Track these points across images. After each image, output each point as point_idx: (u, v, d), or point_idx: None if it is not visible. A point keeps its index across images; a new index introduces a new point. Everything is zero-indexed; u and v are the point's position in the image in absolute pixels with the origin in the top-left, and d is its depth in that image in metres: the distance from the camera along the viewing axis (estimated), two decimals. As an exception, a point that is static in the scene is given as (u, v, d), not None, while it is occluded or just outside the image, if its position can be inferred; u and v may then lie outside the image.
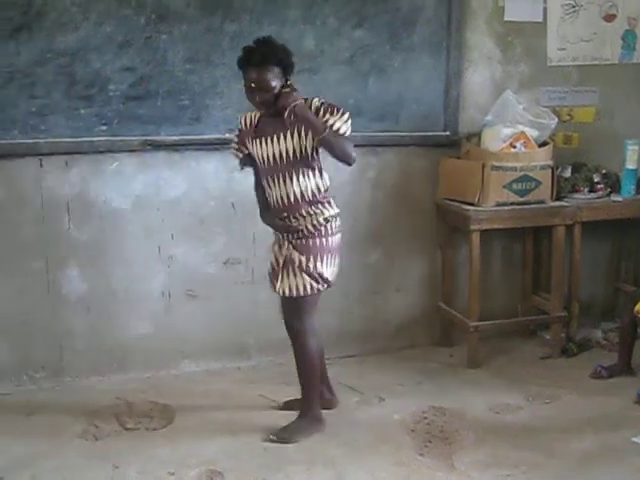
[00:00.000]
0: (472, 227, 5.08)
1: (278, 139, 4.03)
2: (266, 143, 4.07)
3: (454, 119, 5.41)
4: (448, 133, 5.41)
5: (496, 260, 5.74)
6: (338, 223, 4.18)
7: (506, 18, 5.44)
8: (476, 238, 5.10)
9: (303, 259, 4.07)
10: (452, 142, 5.40)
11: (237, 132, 4.28)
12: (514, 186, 5.08)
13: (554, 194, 5.26)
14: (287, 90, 3.93)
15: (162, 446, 4.16)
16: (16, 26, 4.57)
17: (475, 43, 5.42)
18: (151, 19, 4.74)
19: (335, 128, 3.95)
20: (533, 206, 5.19)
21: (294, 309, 4.17)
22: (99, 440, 4.25)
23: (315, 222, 4.08)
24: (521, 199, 5.13)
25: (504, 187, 5.07)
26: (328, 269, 4.13)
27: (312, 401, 4.31)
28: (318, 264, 4.09)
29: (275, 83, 3.90)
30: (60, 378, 4.97)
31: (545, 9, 5.52)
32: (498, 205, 5.10)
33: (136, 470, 3.92)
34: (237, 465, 3.96)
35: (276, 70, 3.91)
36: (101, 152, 4.83)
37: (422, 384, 4.98)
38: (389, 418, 4.50)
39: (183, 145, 4.93)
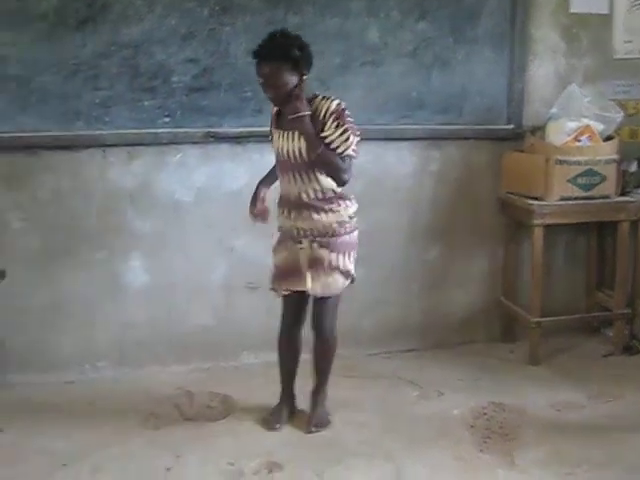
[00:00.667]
0: (535, 222, 5.03)
1: (293, 136, 3.94)
2: (283, 137, 4.00)
3: (518, 112, 5.36)
4: (512, 126, 5.36)
5: (559, 255, 5.67)
6: (356, 219, 4.12)
7: (571, 10, 5.37)
8: (539, 233, 5.05)
9: (333, 257, 4.02)
10: (516, 135, 5.35)
11: (271, 117, 4.23)
12: (578, 180, 5.02)
13: (619, 189, 5.19)
14: (297, 92, 3.83)
15: (222, 436, 4.18)
16: (82, 19, 4.62)
17: (540, 36, 5.36)
18: (215, 11, 4.77)
19: (334, 147, 3.85)
20: (597, 201, 5.12)
21: (326, 308, 4.14)
22: (160, 429, 4.28)
23: (340, 220, 4.02)
24: (585, 194, 5.07)
25: (568, 181, 5.01)
26: (352, 265, 4.12)
27: (326, 392, 4.40)
28: (347, 261, 4.07)
29: (286, 79, 3.79)
30: (122, 368, 5.02)
31: (611, 1, 5.43)
32: (562, 200, 5.04)
33: (196, 459, 3.94)
34: (296, 457, 3.96)
35: (288, 65, 3.79)
36: (164, 144, 4.87)
37: (482, 380, 4.94)
38: (448, 413, 4.47)
39: (245, 137, 4.94)
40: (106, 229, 4.89)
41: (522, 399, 4.62)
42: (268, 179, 4.30)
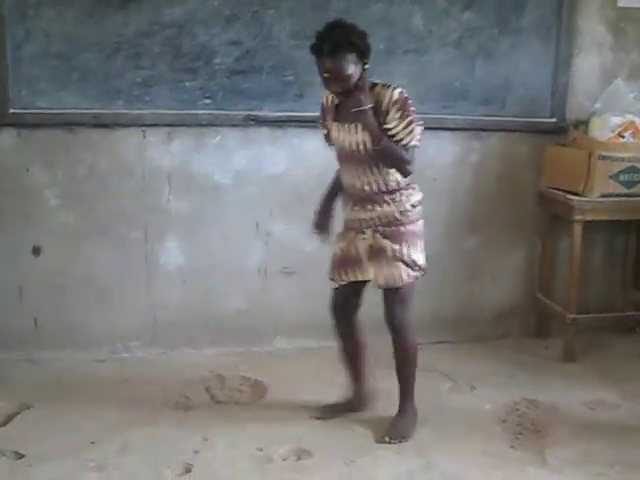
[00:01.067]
0: (576, 217, 4.97)
1: (356, 128, 3.86)
2: (344, 130, 3.92)
3: (561, 106, 5.30)
4: (555, 120, 5.30)
5: (597, 252, 5.61)
6: (421, 208, 4.03)
7: (620, 4, 5.30)
8: (579, 229, 4.99)
9: (397, 247, 3.93)
10: (559, 129, 5.29)
11: (321, 108, 4.14)
12: (621, 177, 4.95)
13: (661, 187, 5.12)
14: (360, 84, 3.74)
15: (252, 421, 4.16)
16: (125, -3, 4.63)
17: (586, 28, 5.29)
18: (259, -7, 4.75)
19: (398, 138, 3.79)
20: (639, 199, 5.05)
21: (395, 300, 4.00)
22: (189, 411, 4.29)
23: (402, 209, 3.94)
24: (627, 191, 4.99)
25: (610, 178, 4.94)
26: (420, 255, 4.01)
27: (413, 394, 4.19)
28: (412, 250, 3.96)
29: (351, 70, 3.69)
30: (153, 348, 5.04)
31: (661, -4, 5.36)
32: (603, 196, 4.97)
33: (225, 443, 3.93)
34: (326, 445, 3.94)
35: (351, 57, 3.69)
36: (204, 125, 4.87)
37: (515, 375, 4.90)
38: (480, 407, 4.43)
39: (286, 121, 4.93)
40: (143, 209, 4.90)
41: (555, 396, 4.57)
42: (332, 190, 4.21)
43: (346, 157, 3.97)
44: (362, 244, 4.00)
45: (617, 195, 5.00)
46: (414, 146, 3.84)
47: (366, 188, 3.93)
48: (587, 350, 5.27)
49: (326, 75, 3.73)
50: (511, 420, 4.30)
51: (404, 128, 3.78)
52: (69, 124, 4.74)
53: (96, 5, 4.60)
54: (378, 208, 3.94)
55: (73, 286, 4.90)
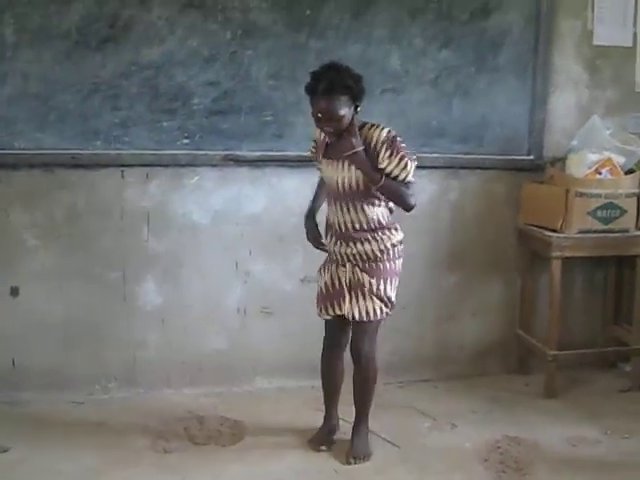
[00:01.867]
0: (554, 254, 4.99)
1: (343, 166, 3.93)
2: (333, 167, 3.99)
3: (539, 143, 5.33)
4: (532, 157, 5.33)
5: (577, 288, 5.62)
6: (402, 247, 4.11)
7: (595, 42, 5.35)
8: (557, 265, 5.01)
9: (373, 282, 4.00)
10: (536, 167, 5.31)
11: (313, 143, 4.22)
12: (598, 213, 4.98)
13: (639, 223, 5.14)
14: (352, 127, 3.84)
15: (232, 463, 4.13)
16: (103, 38, 4.63)
17: (562, 66, 5.33)
18: (237, 34, 4.76)
19: (393, 176, 3.87)
20: (617, 235, 5.07)
21: (364, 333, 4.10)
22: (169, 453, 4.25)
23: (382, 247, 4.01)
24: (605, 227, 5.02)
25: (588, 214, 4.97)
26: (394, 293, 4.09)
27: (368, 418, 4.31)
28: (388, 288, 4.04)
29: (344, 112, 3.78)
30: (132, 389, 4.99)
31: (635, 34, 5.40)
32: (581, 232, 5.00)
33: (205, 485, 3.90)
34: (307, 486, 3.92)
35: (344, 98, 3.78)
36: (182, 165, 4.86)
37: (496, 412, 4.89)
38: (461, 446, 4.41)
39: (265, 161, 4.93)
40: (122, 249, 4.87)
41: (537, 433, 4.57)
42: (313, 208, 4.32)
43: (334, 194, 4.03)
44: (343, 278, 4.06)
45: (595, 231, 5.02)
46: (409, 181, 3.91)
47: (349, 226, 4.00)
48: (568, 386, 5.27)
49: (319, 115, 3.80)
50: (493, 458, 4.28)
51: (397, 165, 3.85)
52: (47, 165, 4.72)
53: (74, 46, 4.60)
54: (359, 245, 4.00)
55: (52, 327, 4.86)
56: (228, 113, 4.83)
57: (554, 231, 5.03)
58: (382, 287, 4.01)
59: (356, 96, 3.82)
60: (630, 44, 5.42)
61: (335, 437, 4.40)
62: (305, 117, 4.78)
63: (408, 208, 3.98)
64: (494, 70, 5.18)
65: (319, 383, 4.87)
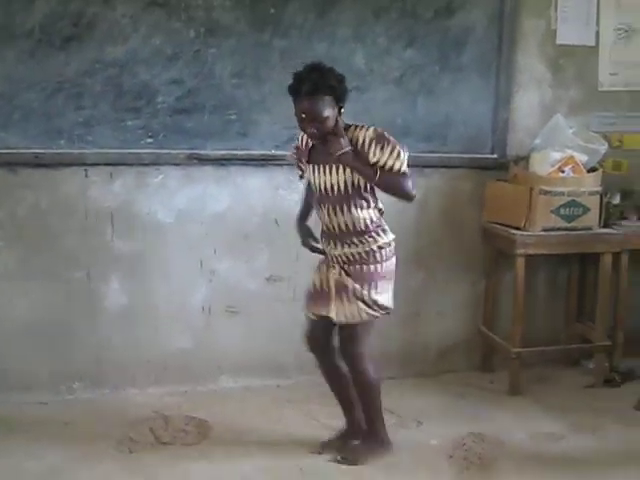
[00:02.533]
0: (518, 252, 5.02)
1: (330, 170, 3.92)
2: (318, 172, 3.98)
3: (502, 142, 5.36)
4: (496, 156, 5.36)
5: (541, 286, 5.66)
6: (392, 248, 4.09)
7: (558, 42, 5.39)
8: (521, 263, 5.04)
9: (357, 286, 3.98)
10: (500, 165, 5.35)
11: (295, 148, 4.21)
12: (561, 211, 5.02)
13: (602, 221, 5.18)
14: (338, 128, 3.83)
15: (197, 461, 4.13)
16: (66, 37, 4.60)
17: (525, 66, 5.37)
18: (200, 32, 4.75)
19: (387, 168, 3.85)
20: (580, 232, 5.11)
21: (349, 336, 4.07)
22: (134, 453, 4.23)
23: (368, 249, 3.99)
24: (568, 225, 5.06)
25: (551, 212, 5.00)
26: (382, 295, 4.05)
27: (377, 424, 4.24)
28: (372, 291, 4.00)
29: (328, 113, 3.76)
30: (97, 389, 4.97)
31: (597, 33, 5.45)
32: (545, 230, 5.03)
33: (169, 485, 3.89)
34: (272, 484, 3.91)
35: (328, 99, 3.77)
36: (146, 164, 4.84)
37: (461, 409, 4.91)
38: (427, 443, 4.43)
39: (229, 160, 4.92)
40: (86, 249, 4.84)
41: (501, 430, 4.59)
42: (302, 213, 4.32)
43: (320, 198, 4.02)
44: (332, 278, 4.04)
45: (558, 229, 5.06)
46: (405, 172, 3.89)
47: (336, 228, 3.99)
48: (532, 383, 5.30)
49: (303, 116, 3.78)
50: (457, 455, 4.30)
51: (390, 155, 3.84)
52: (10, 164, 4.68)
53: (37, 45, 4.56)
54: (346, 247, 3.99)
55: (15, 327, 4.81)
56: (192, 112, 4.82)
57: (518, 229, 5.06)
58: (366, 290, 3.98)
59: (339, 97, 3.82)
60: (593, 43, 5.47)
61: (351, 441, 4.32)
62: (270, 115, 4.84)
63: (409, 198, 3.98)
64: (458, 69, 5.21)
65: (285, 382, 4.93)
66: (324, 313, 4.05)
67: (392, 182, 3.88)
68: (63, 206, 4.79)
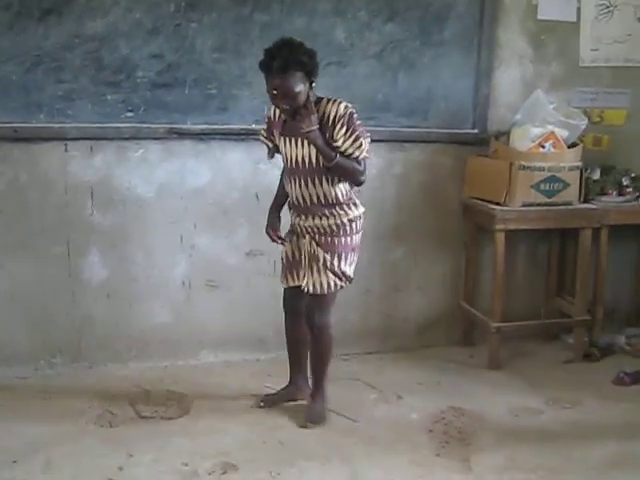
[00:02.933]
0: (498, 227, 5.03)
1: (302, 143, 3.97)
2: (290, 144, 4.03)
3: (483, 117, 5.36)
4: (476, 131, 5.36)
5: (521, 261, 5.69)
6: (362, 222, 4.18)
7: (539, 17, 5.38)
8: (501, 238, 5.05)
9: (328, 257, 4.07)
10: (480, 140, 5.35)
11: (266, 120, 4.23)
12: (541, 187, 5.03)
13: (582, 196, 5.20)
14: (308, 104, 3.85)
15: (177, 436, 4.14)
16: (45, 10, 4.56)
17: (507, 41, 5.36)
18: (181, 6, 4.71)
19: (347, 154, 3.94)
20: (560, 207, 5.13)
21: (317, 305, 4.18)
22: (114, 427, 4.24)
23: (339, 222, 4.07)
24: (548, 200, 5.07)
25: (531, 187, 5.01)
26: (350, 267, 4.16)
27: (325, 385, 4.39)
28: (342, 262, 4.10)
29: (299, 88, 3.79)
30: (78, 364, 4.97)
31: (579, 9, 5.45)
32: (525, 205, 5.04)
33: (150, 459, 3.90)
34: (252, 458, 3.93)
35: (299, 74, 3.79)
36: (126, 139, 4.82)
37: (441, 384, 4.94)
38: (407, 417, 4.46)
39: (209, 134, 4.91)
40: (65, 223, 4.83)
41: (481, 404, 4.62)
42: (278, 201, 4.38)
43: (292, 170, 4.07)
44: (303, 248, 4.16)
45: (538, 204, 5.07)
46: (364, 157, 3.99)
47: (307, 200, 4.06)
48: (512, 358, 5.33)
49: (275, 92, 3.80)
50: (437, 429, 4.33)
51: (352, 143, 3.92)
52: (-11, 138, 4.67)
53: (16, 18, 4.52)
54: (317, 219, 4.07)
55: (-5, 302, 4.83)
56: (172, 86, 4.80)
57: (498, 204, 5.07)
58: (336, 262, 4.08)
59: (310, 72, 3.84)
60: (574, 19, 5.46)
61: (290, 400, 4.52)
62: (250, 90, 4.83)
63: (358, 184, 4.08)
64: (439, 44, 5.20)
65: (265, 356, 4.95)
66: (297, 282, 4.20)
67: (346, 168, 3.99)
68: (43, 181, 4.76)
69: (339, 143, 3.91)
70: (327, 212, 4.05)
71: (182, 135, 4.86)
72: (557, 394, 4.78)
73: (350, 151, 3.93)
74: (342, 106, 3.91)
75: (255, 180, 5.00)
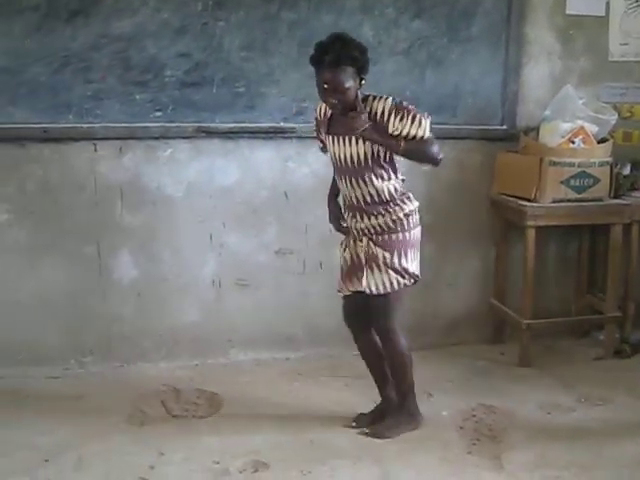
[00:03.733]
0: (528, 223, 5.01)
1: (350, 141, 3.91)
2: (338, 143, 3.97)
3: (512, 113, 5.34)
4: (505, 127, 5.34)
5: (551, 257, 5.65)
6: (417, 217, 4.10)
7: (568, 12, 5.34)
8: (531, 234, 5.02)
9: (387, 255, 3.98)
10: (509, 136, 5.33)
11: (314, 120, 4.19)
12: (572, 182, 5.00)
13: (612, 192, 5.17)
14: (359, 103, 3.83)
15: (208, 434, 4.14)
16: (73, 11, 4.59)
17: (535, 37, 5.33)
18: (208, 5, 4.73)
19: (410, 137, 3.85)
20: (590, 203, 5.10)
21: (381, 307, 4.06)
22: (145, 426, 4.25)
23: (395, 217, 3.99)
24: (578, 196, 5.04)
25: (561, 183, 4.99)
26: (412, 263, 4.06)
27: (407, 397, 4.25)
28: (402, 259, 4.00)
29: (349, 84, 3.76)
30: (108, 363, 4.99)
31: (608, 3, 5.41)
32: (555, 202, 5.02)
33: (181, 457, 3.90)
34: (283, 457, 3.92)
35: (350, 70, 3.76)
36: (155, 138, 4.84)
37: (472, 381, 4.92)
38: (437, 415, 4.43)
39: (237, 133, 4.91)
40: (95, 223, 4.85)
41: (512, 401, 4.60)
42: (333, 190, 4.27)
43: (339, 169, 4.03)
44: (361, 251, 4.05)
45: (568, 200, 5.04)
46: (429, 137, 3.90)
47: (360, 200, 4.00)
48: (543, 355, 5.30)
49: (325, 86, 3.77)
50: (468, 426, 4.31)
51: (411, 125, 3.83)
52: (19, 139, 4.68)
53: (44, 19, 4.55)
54: (373, 218, 3.99)
55: (26, 302, 4.84)
56: (200, 85, 4.81)
57: (528, 200, 5.04)
58: (396, 259, 3.99)
59: (362, 68, 3.82)
60: (603, 13, 5.42)
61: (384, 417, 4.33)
62: (278, 88, 4.83)
63: (435, 163, 4.01)
64: (467, 40, 5.18)
65: (294, 355, 4.93)
66: (357, 287, 4.05)
67: (416, 150, 3.89)
68: (72, 181, 4.79)
69: (398, 130, 3.83)
70: (382, 210, 3.97)
71: (210, 134, 4.87)
72: (588, 391, 4.75)
73: (413, 132, 3.83)
74: (389, 100, 3.88)
75: (284, 179, 5.00)
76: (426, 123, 3.87)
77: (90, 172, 4.80)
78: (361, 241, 4.05)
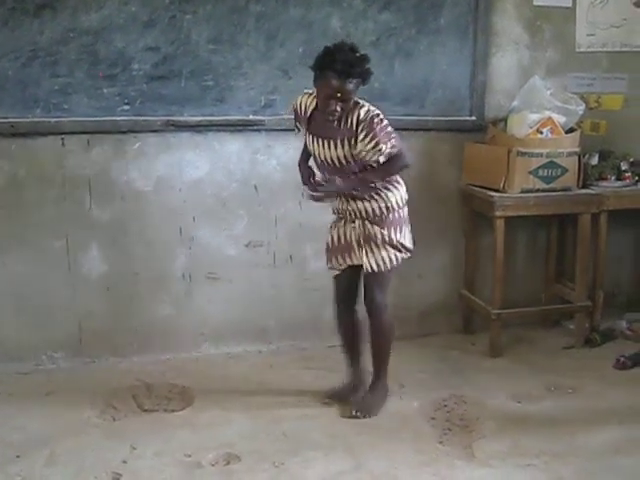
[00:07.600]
0: (497, 213, 5.03)
1: (329, 145, 4.00)
2: (319, 144, 4.05)
3: (480, 104, 5.35)
4: (474, 118, 5.35)
5: (520, 248, 5.68)
6: (406, 196, 4.23)
7: (535, 3, 5.37)
8: (500, 225, 5.05)
9: (385, 232, 4.11)
10: (478, 127, 5.34)
11: (293, 112, 4.22)
12: (540, 172, 5.02)
13: (580, 182, 5.20)
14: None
15: (180, 428, 4.14)
16: (40, 4, 4.57)
17: (503, 27, 5.35)
18: (176, -2, 4.72)
19: (367, 158, 3.97)
20: (559, 193, 5.13)
21: (377, 284, 4.20)
22: (117, 421, 4.25)
23: (388, 204, 4.12)
24: (547, 186, 5.07)
25: (530, 173, 5.01)
26: (406, 238, 4.21)
27: (385, 373, 4.39)
28: (398, 234, 4.15)
29: (353, 95, 3.87)
30: (79, 358, 4.97)
31: (575, -6, 5.44)
32: (523, 192, 5.04)
33: (153, 451, 3.90)
34: (255, 449, 3.93)
35: (356, 81, 3.84)
36: (123, 132, 4.82)
37: (443, 372, 4.94)
38: (409, 405, 4.46)
39: (206, 126, 4.90)
40: (64, 218, 4.83)
41: (483, 391, 4.63)
42: (303, 156, 4.32)
43: (321, 166, 4.14)
44: (352, 232, 4.17)
45: (537, 190, 5.07)
46: (390, 153, 3.99)
47: (348, 194, 4.10)
48: (513, 345, 5.34)
49: (329, 93, 3.83)
50: (440, 416, 4.34)
51: (372, 148, 3.94)
52: (-14, 133, 4.66)
53: (11, 13, 4.52)
54: (366, 202, 4.10)
55: (-5, 298, 4.82)
56: (168, 78, 4.80)
57: (497, 191, 5.06)
58: (394, 235, 4.14)
59: (365, 80, 3.90)
60: (570, 4, 5.45)
61: (355, 394, 4.45)
62: (246, 81, 4.83)
63: (406, 168, 4.18)
64: (435, 32, 5.18)
65: (266, 347, 4.92)
66: (349, 262, 4.20)
67: (384, 172, 4.06)
68: (40, 175, 4.76)
69: (358, 149, 3.94)
70: (374, 194, 4.09)
71: (179, 127, 4.86)
72: (559, 380, 4.78)
73: (369, 156, 3.95)
74: (362, 111, 3.95)
75: (253, 171, 4.99)
76: (386, 149, 3.95)
77: (58, 167, 4.78)
78: (353, 222, 4.17)
